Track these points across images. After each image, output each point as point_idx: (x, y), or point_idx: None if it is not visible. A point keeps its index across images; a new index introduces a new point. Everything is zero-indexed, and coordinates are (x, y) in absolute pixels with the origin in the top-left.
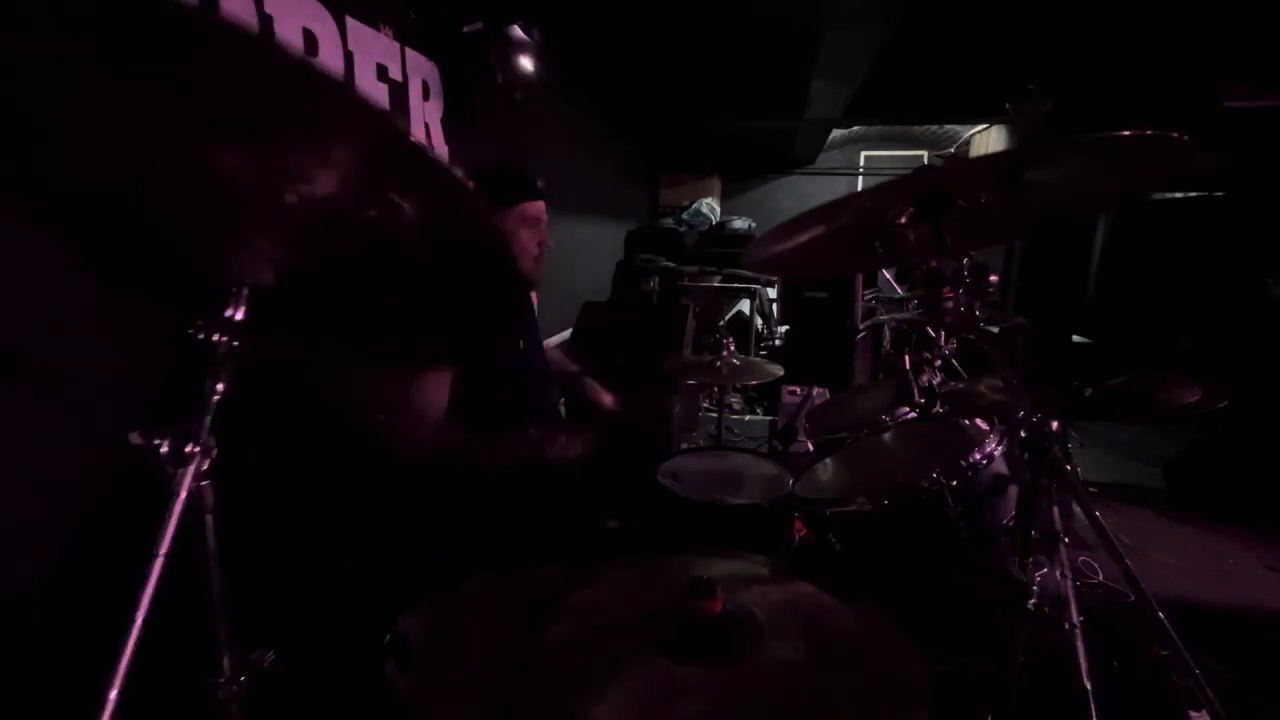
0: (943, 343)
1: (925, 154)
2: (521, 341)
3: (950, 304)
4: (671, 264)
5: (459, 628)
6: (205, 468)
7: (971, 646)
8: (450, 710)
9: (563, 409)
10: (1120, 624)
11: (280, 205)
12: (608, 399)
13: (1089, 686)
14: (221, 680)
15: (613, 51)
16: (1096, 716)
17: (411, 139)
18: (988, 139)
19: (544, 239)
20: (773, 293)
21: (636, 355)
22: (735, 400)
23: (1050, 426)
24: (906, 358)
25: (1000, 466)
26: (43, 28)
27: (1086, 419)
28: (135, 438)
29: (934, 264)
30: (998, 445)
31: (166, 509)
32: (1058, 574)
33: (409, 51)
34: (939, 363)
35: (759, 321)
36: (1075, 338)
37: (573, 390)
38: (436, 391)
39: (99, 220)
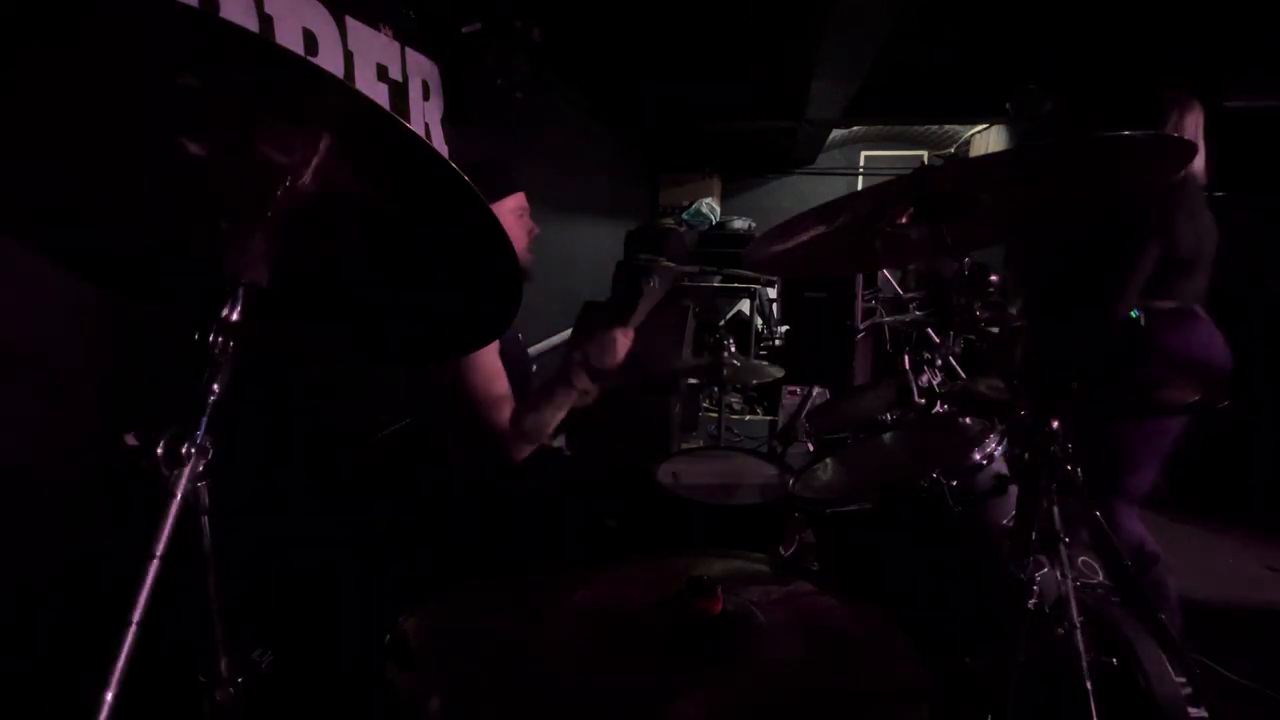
0: (950, 342)
1: (925, 154)
2: (520, 335)
3: (952, 304)
4: (671, 264)
5: (459, 628)
6: (201, 469)
7: (971, 646)
8: (450, 710)
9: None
10: (1120, 624)
11: (269, 200)
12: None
13: (1089, 686)
14: (218, 682)
15: (612, 51)
16: (1096, 716)
17: (376, 104)
18: (988, 139)
19: (532, 227)
20: (773, 293)
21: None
22: (735, 400)
23: (1050, 426)
24: (906, 358)
25: (1000, 466)
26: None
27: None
28: (131, 439)
29: (934, 264)
30: (998, 445)
31: (162, 510)
32: (1058, 574)
33: (409, 51)
34: (939, 363)
35: (759, 321)
36: None
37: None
38: (496, 373)
39: (90, 220)
